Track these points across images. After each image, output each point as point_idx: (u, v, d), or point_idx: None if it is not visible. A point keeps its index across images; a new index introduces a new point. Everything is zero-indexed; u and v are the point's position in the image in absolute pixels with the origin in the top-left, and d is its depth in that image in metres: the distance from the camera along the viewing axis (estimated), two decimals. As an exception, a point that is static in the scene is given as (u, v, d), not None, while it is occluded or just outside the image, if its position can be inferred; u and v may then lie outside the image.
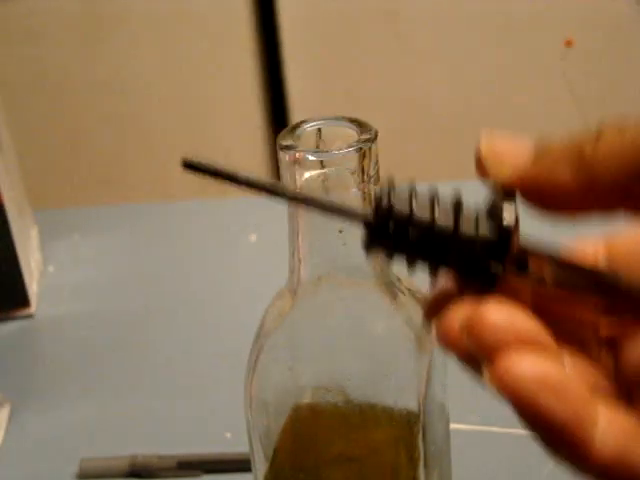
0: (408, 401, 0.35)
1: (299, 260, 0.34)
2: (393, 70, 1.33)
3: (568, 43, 1.20)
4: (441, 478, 0.39)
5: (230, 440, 0.54)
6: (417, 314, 0.36)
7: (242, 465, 0.52)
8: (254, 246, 0.71)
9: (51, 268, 0.70)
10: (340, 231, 0.33)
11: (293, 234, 0.34)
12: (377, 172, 0.33)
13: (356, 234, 0.33)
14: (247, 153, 1.40)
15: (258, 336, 0.36)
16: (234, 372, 0.59)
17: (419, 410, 0.35)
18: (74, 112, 1.37)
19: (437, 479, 0.38)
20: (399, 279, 0.36)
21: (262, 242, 0.71)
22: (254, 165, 1.40)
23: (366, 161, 0.32)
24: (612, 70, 1.35)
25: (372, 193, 0.33)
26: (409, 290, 0.36)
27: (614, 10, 1.32)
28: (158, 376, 0.60)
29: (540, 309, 0.25)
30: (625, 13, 1.32)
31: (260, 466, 0.38)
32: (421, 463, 0.36)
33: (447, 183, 0.83)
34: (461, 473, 0.43)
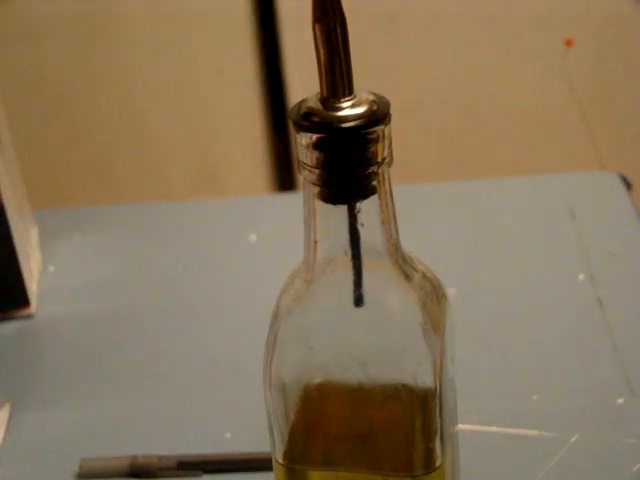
0: (425, 376, 0.36)
1: (315, 241, 0.35)
2: (393, 70, 1.33)
3: (568, 43, 1.20)
4: (453, 453, 0.40)
5: (230, 440, 0.55)
6: (430, 291, 0.37)
7: (242, 465, 0.52)
8: (254, 246, 0.71)
9: (51, 268, 0.70)
10: (357, 212, 0.34)
11: (310, 215, 0.35)
12: (390, 154, 0.34)
13: (372, 215, 0.34)
14: (247, 153, 1.40)
15: (275, 316, 0.37)
16: (234, 372, 0.60)
17: (436, 384, 0.36)
18: (74, 112, 1.37)
19: (450, 454, 0.39)
20: (412, 259, 0.37)
21: (262, 242, 0.71)
22: (253, 165, 1.40)
23: (380, 143, 0.33)
24: (612, 70, 1.35)
25: (386, 174, 0.34)
26: (421, 269, 0.38)
27: (614, 10, 1.32)
28: (158, 376, 0.60)
29: None
30: (625, 13, 1.32)
31: (279, 447, 0.39)
32: (437, 436, 0.37)
33: (447, 183, 0.83)
34: (460, 473, 0.43)
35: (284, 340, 0.37)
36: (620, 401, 0.55)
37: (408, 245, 0.37)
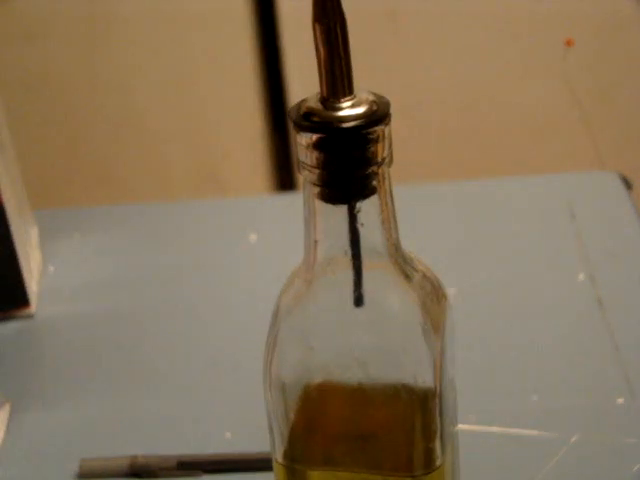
0: (425, 376, 0.36)
1: (315, 241, 0.35)
2: (393, 70, 1.33)
3: (568, 43, 1.20)
4: (453, 453, 0.40)
5: (230, 440, 0.55)
6: (430, 291, 0.37)
7: (242, 465, 0.52)
8: (254, 246, 0.71)
9: (51, 268, 0.70)
10: (357, 212, 0.34)
11: (310, 215, 0.35)
12: (390, 154, 0.34)
13: (372, 215, 0.34)
14: (247, 153, 1.39)
15: (275, 316, 0.37)
16: (234, 372, 0.60)
17: (436, 384, 0.36)
18: (74, 112, 1.37)
19: (450, 455, 0.39)
20: (412, 259, 0.37)
21: (262, 242, 0.71)
22: (253, 165, 1.39)
23: (380, 143, 0.33)
24: (612, 70, 1.35)
25: (386, 174, 0.34)
26: (421, 269, 0.38)
27: (614, 10, 1.32)
28: (158, 376, 0.60)
29: None
30: (625, 13, 1.32)
31: (279, 447, 0.39)
32: (437, 436, 0.37)
33: (447, 182, 0.83)
34: (460, 473, 0.43)
35: (284, 340, 0.37)
36: (620, 401, 0.55)
37: (408, 245, 0.37)
